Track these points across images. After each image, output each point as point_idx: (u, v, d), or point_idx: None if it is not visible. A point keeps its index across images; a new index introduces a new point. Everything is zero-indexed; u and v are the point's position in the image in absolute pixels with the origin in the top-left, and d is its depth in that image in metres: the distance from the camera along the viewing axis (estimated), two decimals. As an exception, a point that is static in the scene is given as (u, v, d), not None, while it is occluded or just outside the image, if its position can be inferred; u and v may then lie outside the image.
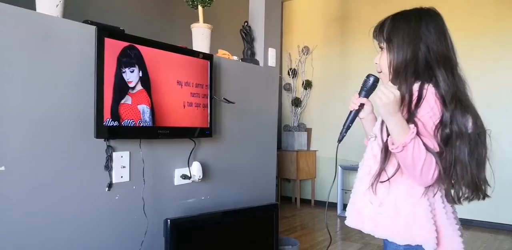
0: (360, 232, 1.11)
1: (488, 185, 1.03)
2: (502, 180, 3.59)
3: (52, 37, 1.37)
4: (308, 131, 4.72)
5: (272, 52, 2.45)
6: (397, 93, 0.97)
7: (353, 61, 4.37)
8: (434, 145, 0.97)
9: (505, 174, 3.57)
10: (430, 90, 0.97)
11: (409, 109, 0.97)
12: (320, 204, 4.56)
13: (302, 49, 4.72)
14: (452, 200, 1.02)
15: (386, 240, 1.06)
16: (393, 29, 1.06)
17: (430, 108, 0.96)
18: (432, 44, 1.01)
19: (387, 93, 0.96)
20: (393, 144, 0.97)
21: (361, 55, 4.27)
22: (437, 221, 1.01)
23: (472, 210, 3.71)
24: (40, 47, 1.34)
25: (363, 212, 1.08)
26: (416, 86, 0.98)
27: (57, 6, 1.41)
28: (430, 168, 0.96)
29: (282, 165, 4.45)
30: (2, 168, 1.25)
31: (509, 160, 3.57)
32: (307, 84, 4.69)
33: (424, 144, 0.96)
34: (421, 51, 1.01)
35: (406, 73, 1.00)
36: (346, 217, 1.16)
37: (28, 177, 1.31)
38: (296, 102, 4.68)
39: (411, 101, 0.97)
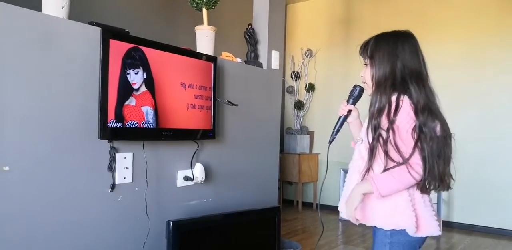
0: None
1: (452, 178, 1.20)
2: (506, 185, 3.57)
3: (58, 38, 1.38)
4: (311, 134, 4.72)
5: (275, 55, 2.46)
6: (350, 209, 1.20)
7: (356, 64, 4.34)
8: (406, 150, 1.14)
9: (508, 178, 3.55)
10: (405, 101, 1.15)
11: (389, 117, 1.15)
12: (322, 207, 4.55)
13: (305, 52, 4.72)
14: (425, 190, 1.19)
15: (375, 227, 1.22)
16: (375, 48, 1.24)
17: (407, 114, 1.14)
18: (406, 62, 1.20)
19: (350, 213, 1.20)
20: (380, 195, 1.16)
21: (364, 58, 4.25)
22: (416, 209, 1.18)
23: (475, 215, 3.70)
24: (46, 48, 1.35)
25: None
26: (394, 97, 1.16)
27: (63, 7, 1.42)
28: (406, 177, 1.14)
29: (284, 168, 4.44)
30: (7, 168, 1.25)
31: (512, 164, 3.55)
32: (310, 87, 4.69)
33: (390, 157, 1.15)
34: (397, 67, 1.20)
35: (386, 86, 1.19)
36: (340, 211, 1.30)
37: (31, 177, 1.32)
38: (299, 105, 4.68)
39: (390, 110, 1.15)
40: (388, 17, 4.09)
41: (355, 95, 1.34)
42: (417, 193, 1.20)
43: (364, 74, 1.28)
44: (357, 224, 1.23)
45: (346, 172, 4.62)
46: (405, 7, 4.07)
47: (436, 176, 1.15)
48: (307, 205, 4.61)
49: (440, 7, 3.90)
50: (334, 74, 4.60)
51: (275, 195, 2.49)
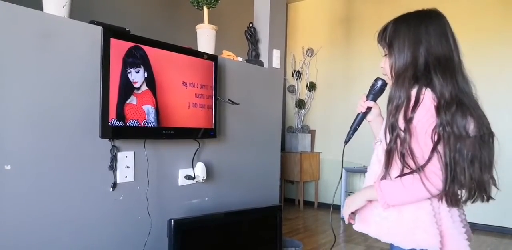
0: (363, 234, 1.12)
1: (496, 186, 1.03)
2: (509, 183, 3.56)
3: (59, 37, 1.38)
4: (312, 132, 4.72)
5: (276, 54, 2.45)
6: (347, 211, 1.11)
7: (358, 63, 4.36)
8: (423, 155, 0.98)
9: (510, 177, 3.55)
10: (427, 95, 0.98)
11: (405, 115, 0.98)
12: (323, 206, 4.54)
13: (307, 51, 4.71)
14: (452, 203, 1.00)
15: (392, 244, 1.07)
16: (394, 34, 1.07)
17: (427, 111, 0.97)
18: (431, 48, 1.02)
19: (345, 212, 1.11)
20: (387, 204, 1.03)
21: (365, 57, 4.26)
22: (442, 225, 1.01)
23: (477, 213, 3.68)
24: (47, 47, 1.35)
25: (369, 217, 1.10)
26: (414, 91, 0.99)
27: (63, 6, 1.42)
28: (418, 188, 0.97)
29: (285, 167, 4.44)
30: (8, 167, 1.25)
31: (514, 163, 3.54)
32: (311, 86, 4.69)
33: (406, 163, 0.98)
34: (421, 55, 1.02)
35: (405, 77, 1.01)
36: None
37: (33, 176, 1.32)
38: (300, 104, 4.68)
39: (409, 106, 0.98)
40: (390, 15, 4.05)
41: (376, 90, 1.18)
42: (443, 206, 1.01)
43: (384, 65, 1.11)
44: (352, 223, 1.15)
45: (348, 171, 4.60)
46: (406, 4, 4.04)
47: (466, 185, 0.97)
48: (308, 204, 4.61)
49: (442, 4, 3.88)
50: (335, 73, 4.60)
51: (277, 193, 2.49)
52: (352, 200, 1.10)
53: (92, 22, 1.48)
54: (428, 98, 0.97)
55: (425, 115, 0.97)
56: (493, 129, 1.04)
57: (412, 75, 1.01)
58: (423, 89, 0.98)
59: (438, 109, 0.97)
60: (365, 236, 3.29)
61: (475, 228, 3.67)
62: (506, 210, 3.57)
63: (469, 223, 1.12)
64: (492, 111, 4.04)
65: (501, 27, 3.64)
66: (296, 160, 4.41)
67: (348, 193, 4.14)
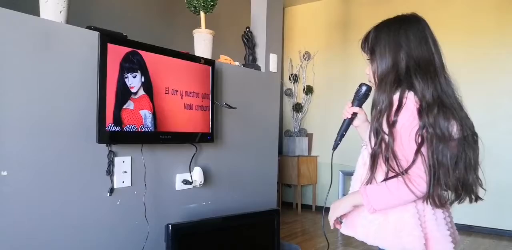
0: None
1: (481, 186, 1.04)
2: (506, 185, 3.57)
3: (56, 43, 1.38)
4: (309, 136, 4.72)
5: (273, 58, 2.46)
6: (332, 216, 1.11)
7: (354, 66, 4.37)
8: (408, 158, 0.98)
9: (508, 179, 3.56)
10: (410, 98, 0.99)
11: (388, 118, 0.98)
12: (321, 209, 4.54)
13: (303, 55, 4.73)
14: (437, 204, 1.00)
15: (378, 247, 1.08)
16: (375, 40, 1.10)
17: (410, 114, 0.98)
18: (411, 51, 1.04)
19: (330, 216, 1.11)
20: (373, 209, 1.03)
21: (362, 60, 4.23)
22: (426, 227, 1.02)
23: (474, 216, 3.70)
24: (44, 52, 1.35)
25: (355, 220, 1.11)
26: (396, 96, 1.00)
27: (60, 12, 1.42)
28: (403, 192, 0.97)
29: (283, 170, 4.44)
30: (5, 173, 1.25)
31: None
32: (308, 90, 4.70)
33: (390, 166, 0.99)
34: (401, 59, 1.04)
35: (387, 82, 1.03)
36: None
37: (29, 181, 1.32)
38: (297, 107, 4.69)
39: (391, 110, 0.99)
40: (386, 18, 4.10)
41: (361, 96, 1.19)
42: (427, 209, 1.02)
43: (369, 72, 1.13)
44: (338, 228, 1.14)
45: (345, 174, 4.60)
46: (403, 9, 4.05)
47: (452, 186, 0.97)
48: (306, 208, 4.61)
49: (438, 8, 3.92)
50: (332, 77, 4.61)
51: (274, 197, 2.49)
52: (338, 205, 1.10)
53: (89, 28, 1.48)
54: (411, 101, 0.98)
55: (409, 118, 0.98)
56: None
57: (393, 79, 1.02)
58: (406, 92, 0.99)
59: (420, 111, 0.97)
60: (363, 240, 3.28)
61: (472, 230, 3.67)
62: (503, 212, 3.58)
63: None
64: (488, 115, 4.04)
65: (495, 30, 3.67)
66: (294, 164, 4.41)
67: (346, 196, 4.13)
